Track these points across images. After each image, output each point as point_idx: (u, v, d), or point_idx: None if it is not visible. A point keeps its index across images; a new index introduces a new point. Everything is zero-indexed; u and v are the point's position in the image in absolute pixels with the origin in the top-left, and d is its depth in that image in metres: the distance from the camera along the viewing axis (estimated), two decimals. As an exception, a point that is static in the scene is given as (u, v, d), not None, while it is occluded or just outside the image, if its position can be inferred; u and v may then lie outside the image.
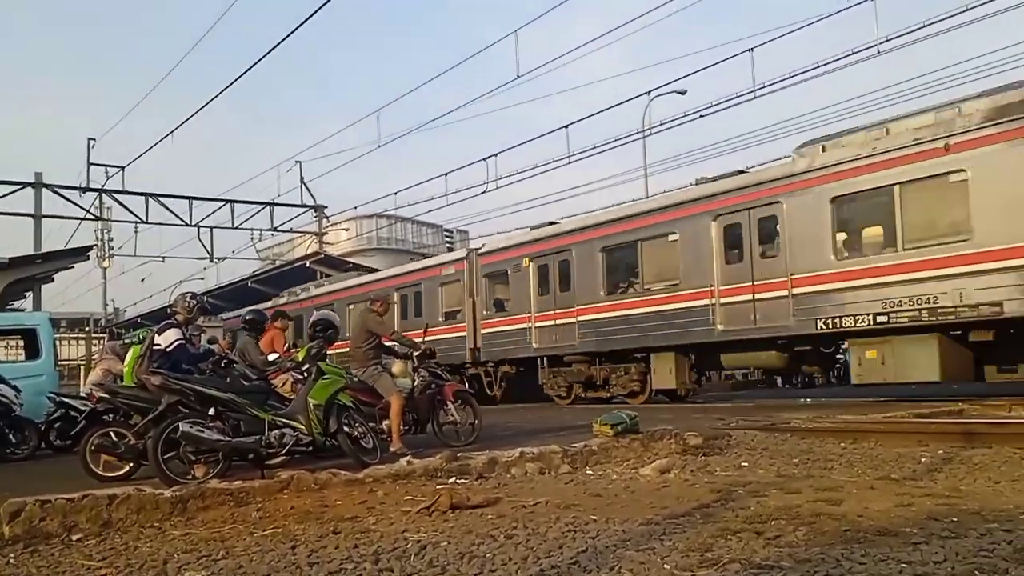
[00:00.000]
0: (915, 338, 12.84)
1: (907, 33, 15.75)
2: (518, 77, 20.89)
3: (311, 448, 7.92)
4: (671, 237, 16.59)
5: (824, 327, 13.88)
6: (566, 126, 22.06)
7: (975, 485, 5.92)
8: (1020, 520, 4.28)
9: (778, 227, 14.76)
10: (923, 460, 7.27)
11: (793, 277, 14.28)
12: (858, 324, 13.41)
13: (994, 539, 3.89)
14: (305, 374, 8.43)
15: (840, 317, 13.63)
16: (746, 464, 7.54)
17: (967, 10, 14.96)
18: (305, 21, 12.19)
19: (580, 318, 18.30)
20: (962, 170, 12.24)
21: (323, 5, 11.42)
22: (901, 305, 12.86)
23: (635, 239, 17.41)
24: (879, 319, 13.12)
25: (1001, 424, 9.13)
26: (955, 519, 4.32)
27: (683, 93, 25.63)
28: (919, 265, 12.68)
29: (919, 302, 12.63)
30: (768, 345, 15.12)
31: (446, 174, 26.11)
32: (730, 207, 15.42)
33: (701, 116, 20.12)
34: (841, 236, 14.05)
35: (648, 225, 17.10)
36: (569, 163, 22.57)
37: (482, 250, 21.57)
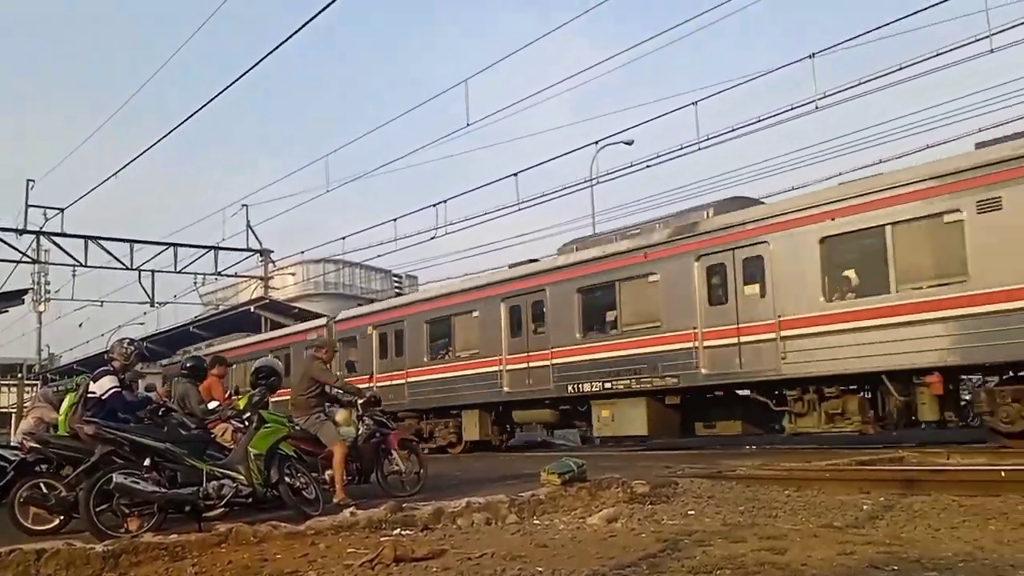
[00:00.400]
0: (631, 400, 16.30)
1: (844, 90, 16.34)
2: (468, 125, 20.92)
3: (251, 500, 7.72)
4: (474, 314, 19.98)
5: (573, 391, 17.36)
6: (515, 174, 22.22)
7: (915, 532, 6.00)
8: (959, 568, 4.35)
9: (544, 309, 18.28)
10: (865, 507, 7.35)
11: (553, 350, 17.82)
12: (594, 389, 16.93)
13: (934, 587, 3.94)
14: (246, 423, 8.24)
15: (583, 383, 17.16)
16: (692, 512, 7.54)
17: (899, 69, 15.61)
18: (253, 67, 12.15)
19: (409, 379, 21.23)
20: (654, 273, 16.14)
21: (271, 52, 11.42)
22: (620, 375, 16.40)
23: (449, 314, 20.71)
24: (607, 385, 16.67)
25: (940, 471, 9.30)
26: (895, 567, 4.36)
27: (630, 144, 26.01)
28: (630, 344, 16.38)
29: (631, 373, 16.24)
30: (540, 404, 18.65)
31: (395, 219, 26.01)
32: (513, 292, 19.09)
33: (648, 166, 20.46)
34: (583, 319, 17.55)
35: (458, 303, 20.48)
36: (519, 210, 22.75)
37: (339, 318, 24.46)
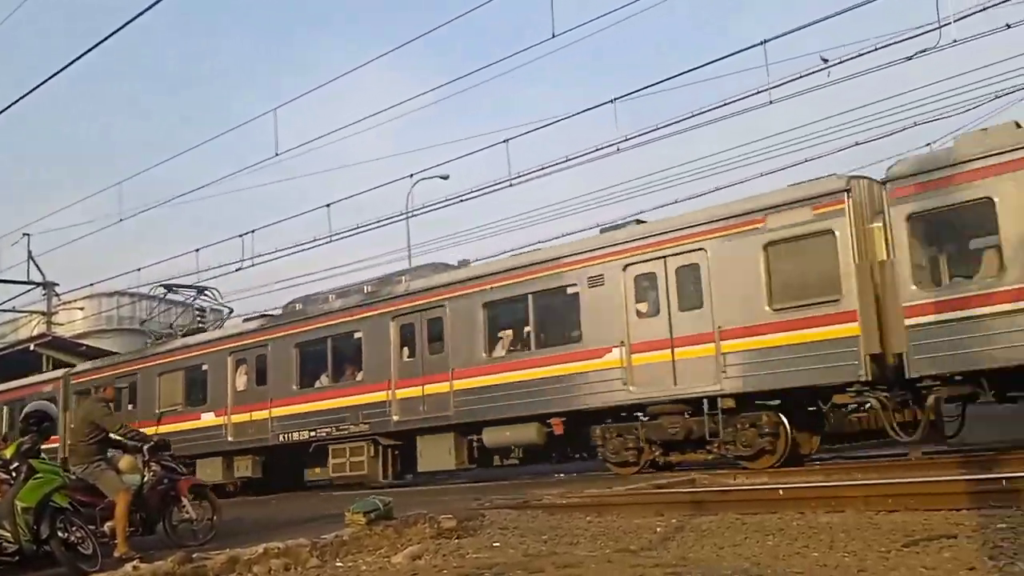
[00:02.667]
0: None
1: (644, 133, 17.35)
2: (277, 155, 20.34)
3: (18, 558, 7.03)
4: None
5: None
6: (327, 205, 21.83)
7: (702, 552, 6.30)
8: (735, 585, 4.60)
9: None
10: (658, 530, 7.66)
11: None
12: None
13: (712, 606, 4.13)
14: (14, 473, 7.49)
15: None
16: (497, 544, 7.57)
17: (698, 114, 16.77)
18: (38, 87, 11.20)
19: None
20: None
21: (58, 72, 10.55)
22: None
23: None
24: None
25: (726, 492, 9.91)
26: (680, 588, 4.55)
27: (445, 178, 26.23)
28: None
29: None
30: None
31: (197, 249, 24.81)
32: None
33: (462, 200, 20.75)
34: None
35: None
36: (331, 242, 22.29)
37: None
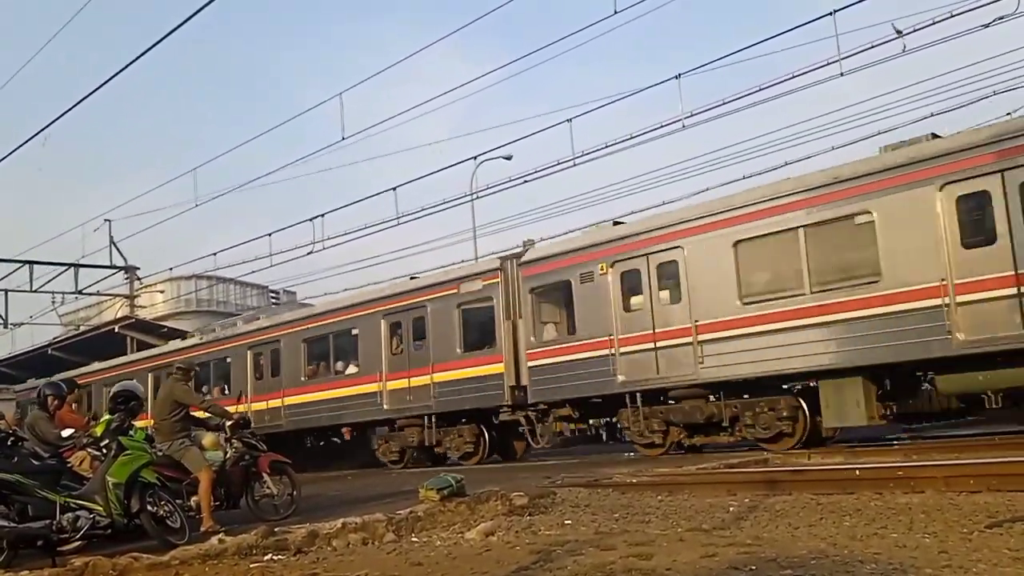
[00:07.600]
0: None
1: (708, 109, 16.99)
2: (343, 139, 20.62)
3: (110, 531, 7.34)
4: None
5: None
6: (394, 188, 22.03)
7: (776, 532, 6.25)
8: (811, 565, 4.55)
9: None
10: (731, 509, 7.62)
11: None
12: None
13: (787, 585, 4.11)
14: (105, 450, 7.82)
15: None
16: (569, 522, 7.63)
17: (766, 87, 16.35)
18: (113, 77, 11.56)
19: None
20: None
21: (132, 62, 10.88)
22: None
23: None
24: None
25: (800, 472, 9.76)
26: (754, 567, 4.53)
27: (509, 159, 26.19)
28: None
29: None
30: None
31: (270, 234, 25.40)
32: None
33: (526, 181, 20.70)
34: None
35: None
36: (398, 224, 22.54)
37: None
